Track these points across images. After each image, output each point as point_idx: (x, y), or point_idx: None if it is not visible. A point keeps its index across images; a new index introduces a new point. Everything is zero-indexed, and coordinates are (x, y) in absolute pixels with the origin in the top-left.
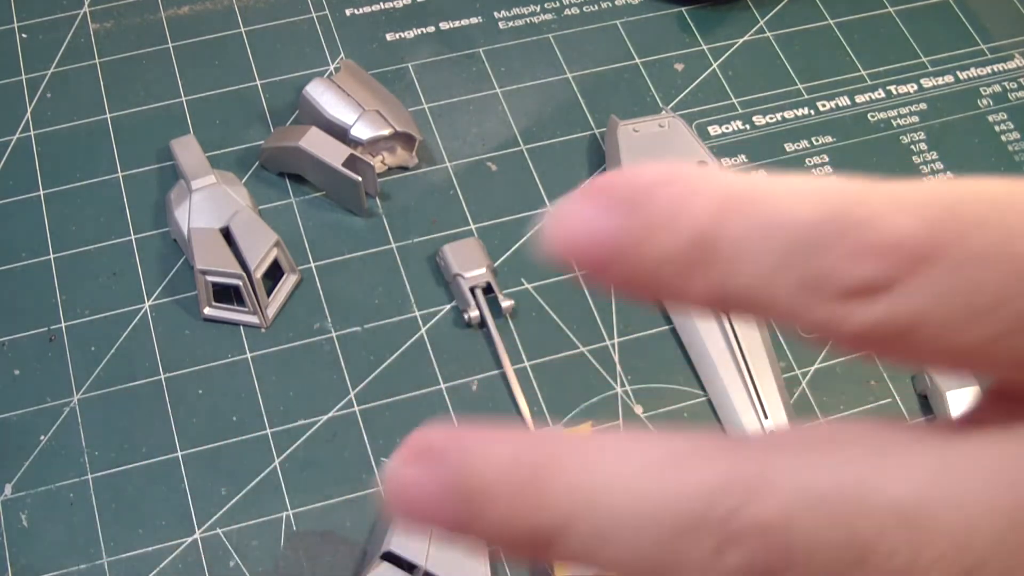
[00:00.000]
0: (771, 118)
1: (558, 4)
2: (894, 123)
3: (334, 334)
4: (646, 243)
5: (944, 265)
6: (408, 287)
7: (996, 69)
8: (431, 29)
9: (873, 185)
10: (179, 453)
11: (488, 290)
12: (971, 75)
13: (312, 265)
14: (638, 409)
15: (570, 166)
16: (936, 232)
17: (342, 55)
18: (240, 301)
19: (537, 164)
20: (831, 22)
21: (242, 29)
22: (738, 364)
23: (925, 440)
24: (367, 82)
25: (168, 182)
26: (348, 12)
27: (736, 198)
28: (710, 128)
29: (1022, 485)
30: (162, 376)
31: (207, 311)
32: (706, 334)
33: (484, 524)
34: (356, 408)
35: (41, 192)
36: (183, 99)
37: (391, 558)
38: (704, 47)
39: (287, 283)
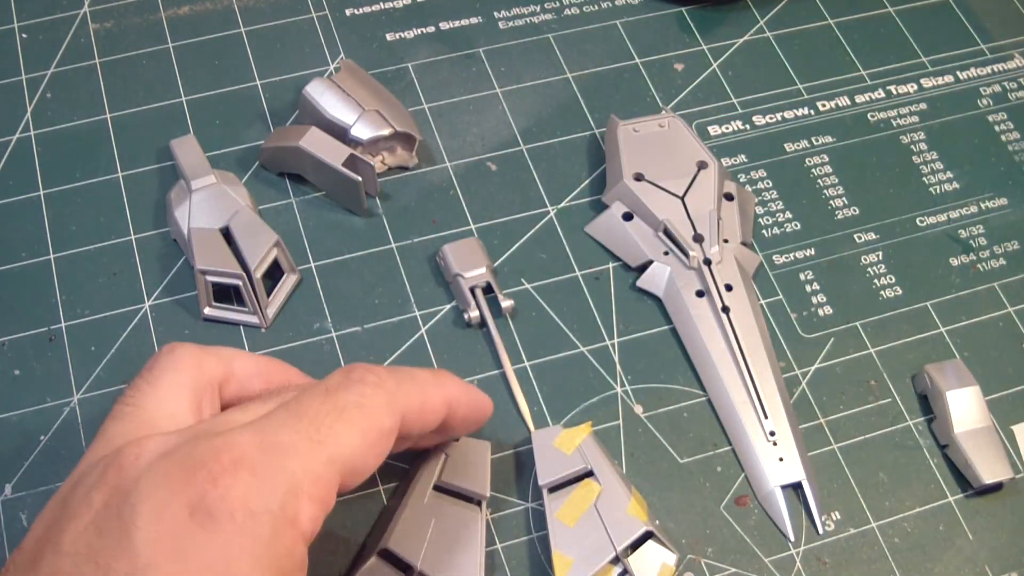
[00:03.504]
0: (771, 118)
1: (558, 4)
2: (894, 123)
3: (334, 334)
4: None
5: None
6: (408, 287)
7: (996, 69)
8: (431, 29)
9: None
10: None
11: (488, 290)
12: (971, 75)
13: (312, 265)
14: (638, 409)
15: (570, 166)
16: None
17: (342, 55)
18: (240, 301)
19: (537, 164)
20: (831, 22)
21: (242, 29)
22: (738, 364)
23: None
24: (367, 82)
25: (168, 182)
26: (348, 12)
27: None
28: (710, 128)
29: None
30: None
31: (207, 311)
32: (706, 334)
33: None
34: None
35: (41, 192)
36: (183, 99)
37: (387, 555)
38: (704, 47)
39: (287, 283)
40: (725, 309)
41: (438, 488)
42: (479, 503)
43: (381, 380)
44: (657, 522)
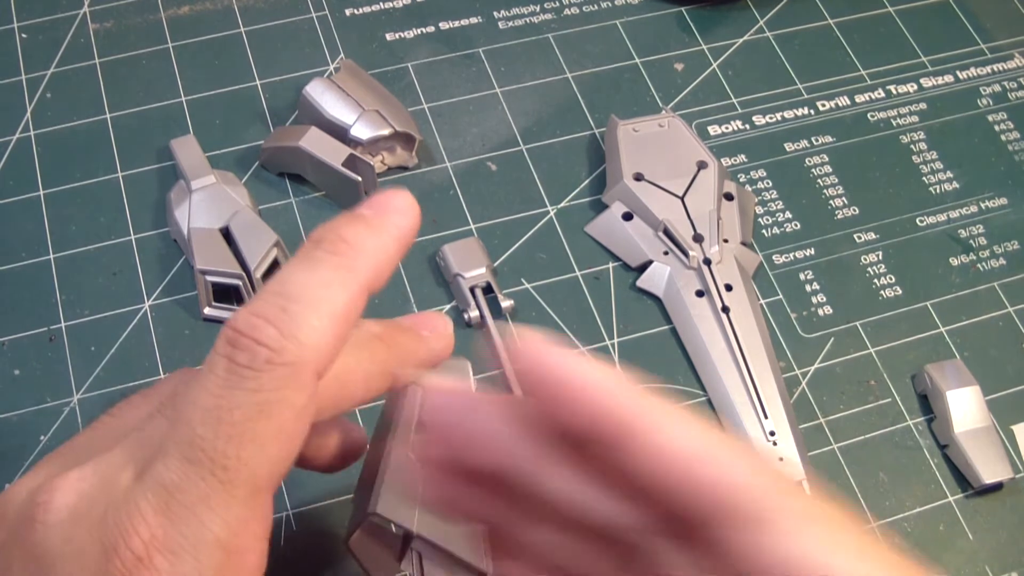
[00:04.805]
0: (771, 118)
1: (558, 4)
2: (894, 123)
3: None
4: None
5: None
6: (408, 287)
7: (996, 69)
8: (431, 29)
9: None
10: None
11: (488, 290)
12: (971, 75)
13: None
14: None
15: (570, 166)
16: None
17: (342, 55)
18: (240, 301)
19: (537, 164)
20: (831, 22)
21: (242, 29)
22: (738, 364)
23: None
24: (367, 82)
25: (168, 182)
26: (348, 12)
27: None
28: (710, 128)
29: None
30: (162, 376)
31: (207, 311)
32: (706, 334)
33: None
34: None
35: (41, 192)
36: (183, 99)
37: (378, 519)
38: (704, 47)
39: None
40: (725, 309)
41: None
42: None
43: (277, 350)
44: None
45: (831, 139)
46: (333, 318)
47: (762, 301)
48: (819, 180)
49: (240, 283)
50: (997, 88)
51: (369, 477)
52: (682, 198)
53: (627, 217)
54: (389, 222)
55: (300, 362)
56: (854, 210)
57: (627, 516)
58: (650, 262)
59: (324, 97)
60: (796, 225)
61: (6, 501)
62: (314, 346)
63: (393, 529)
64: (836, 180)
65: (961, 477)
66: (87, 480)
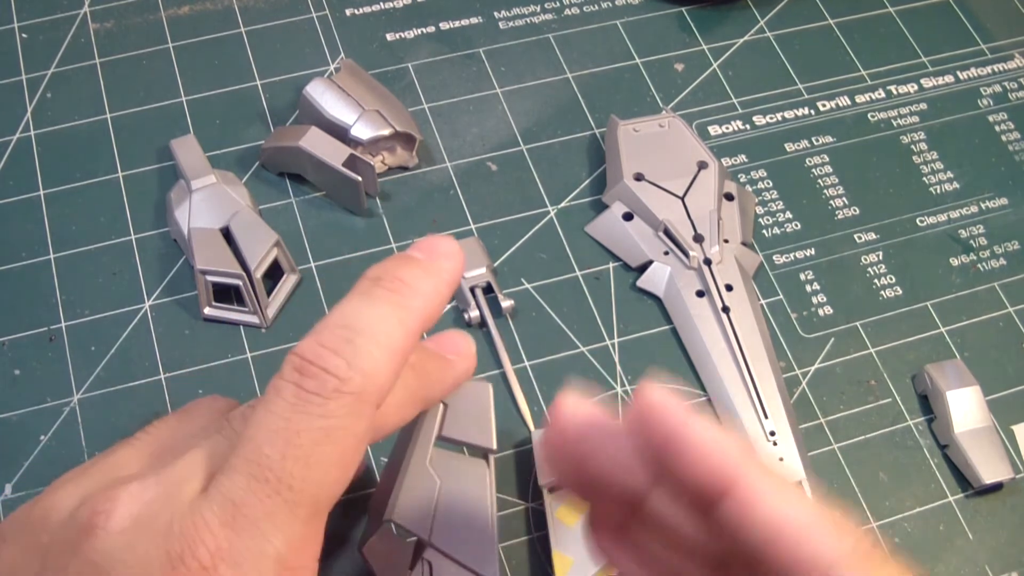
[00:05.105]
0: (771, 118)
1: (558, 4)
2: (894, 123)
3: None
4: None
5: None
6: None
7: (996, 69)
8: (431, 29)
9: None
10: None
11: (488, 290)
12: (971, 75)
13: (312, 265)
14: None
15: (570, 166)
16: None
17: (342, 55)
18: (240, 301)
19: (537, 164)
20: (831, 22)
21: (242, 29)
22: (738, 364)
23: None
24: (367, 82)
25: (168, 182)
26: (348, 12)
27: None
28: (710, 128)
29: None
30: (162, 376)
31: (207, 311)
32: (706, 334)
33: None
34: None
35: (41, 192)
36: (183, 99)
37: (394, 526)
38: (704, 47)
39: (287, 283)
40: (725, 309)
41: (440, 443)
42: (485, 456)
43: (344, 379)
44: None
45: (831, 139)
46: (393, 352)
47: (762, 301)
48: (819, 180)
49: (240, 283)
50: (997, 88)
51: (387, 486)
52: (682, 198)
53: (627, 217)
54: (440, 266)
55: (363, 392)
56: (854, 210)
57: (714, 545)
58: (650, 262)
59: (324, 97)
60: (796, 225)
61: (48, 508)
62: (376, 377)
63: (406, 537)
64: (836, 180)
65: (961, 477)
66: (150, 490)
